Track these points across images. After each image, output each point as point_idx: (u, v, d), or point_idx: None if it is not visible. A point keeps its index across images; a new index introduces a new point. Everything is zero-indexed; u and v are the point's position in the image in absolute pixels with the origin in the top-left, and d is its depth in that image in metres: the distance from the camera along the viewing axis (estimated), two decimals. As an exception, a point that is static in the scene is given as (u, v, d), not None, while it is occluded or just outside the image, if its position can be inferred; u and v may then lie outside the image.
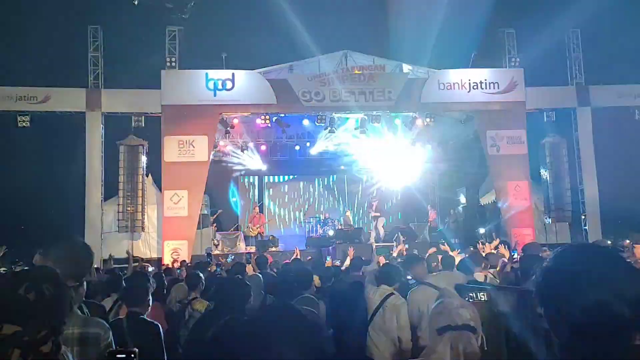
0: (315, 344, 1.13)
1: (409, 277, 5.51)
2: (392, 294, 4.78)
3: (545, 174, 16.78)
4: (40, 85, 15.50)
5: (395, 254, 9.18)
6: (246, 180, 21.79)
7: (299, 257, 9.51)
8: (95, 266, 11.79)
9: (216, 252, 14.99)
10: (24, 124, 15.06)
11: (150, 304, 3.92)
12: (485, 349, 2.13)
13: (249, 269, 6.81)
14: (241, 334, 1.13)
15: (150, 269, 10.36)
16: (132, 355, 1.56)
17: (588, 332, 1.23)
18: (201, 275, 5.85)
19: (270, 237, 17.39)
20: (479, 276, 5.79)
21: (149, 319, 3.79)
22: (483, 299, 3.98)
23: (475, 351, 2.05)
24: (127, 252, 8.86)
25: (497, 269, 6.28)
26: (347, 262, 7.84)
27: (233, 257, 13.87)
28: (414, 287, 5.14)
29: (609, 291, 1.22)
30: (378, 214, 16.85)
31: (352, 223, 18.16)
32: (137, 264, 11.08)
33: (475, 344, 2.07)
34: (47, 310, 1.42)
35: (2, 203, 17.34)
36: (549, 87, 17.20)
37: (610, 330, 1.22)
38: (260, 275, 5.57)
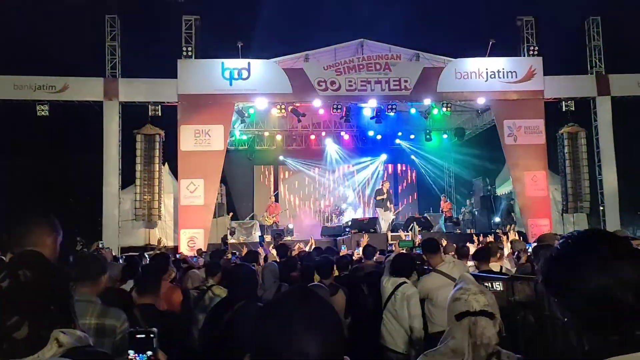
0: (336, 328, 1.13)
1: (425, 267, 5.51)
2: (404, 282, 4.80)
3: (563, 164, 16.57)
4: (58, 74, 15.63)
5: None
6: (262, 169, 21.85)
7: (314, 246, 9.55)
8: (114, 254, 11.97)
9: (232, 240, 15.08)
10: (42, 113, 15.23)
11: (160, 291, 3.91)
12: (504, 334, 2.13)
13: (261, 260, 6.84)
14: (258, 318, 1.12)
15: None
16: (152, 335, 1.57)
17: (592, 319, 1.22)
18: (220, 263, 5.89)
19: (286, 226, 17.46)
20: (495, 266, 5.76)
21: (162, 309, 3.81)
22: (499, 289, 3.97)
23: (492, 335, 2.05)
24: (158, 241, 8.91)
25: (506, 258, 6.26)
26: (360, 250, 7.86)
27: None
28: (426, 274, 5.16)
29: (612, 277, 1.20)
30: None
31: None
32: (154, 252, 11.21)
33: (493, 329, 2.07)
34: (21, 296, 1.40)
35: (20, 191, 17.64)
36: (568, 76, 16.93)
37: (614, 317, 1.20)
38: (275, 264, 5.60)
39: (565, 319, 1.28)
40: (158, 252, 10.05)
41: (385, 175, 21.25)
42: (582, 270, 1.24)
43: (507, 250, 7.75)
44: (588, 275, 1.22)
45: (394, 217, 15.76)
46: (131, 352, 1.59)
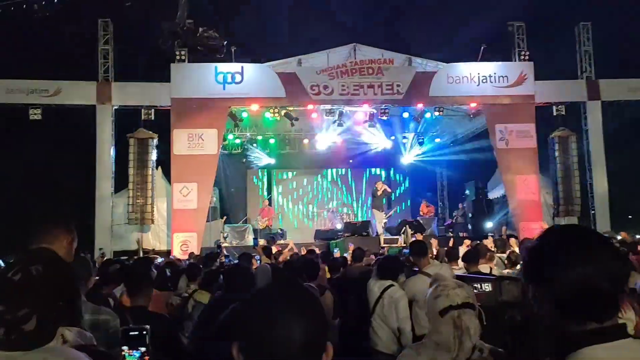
0: (319, 314, 1.18)
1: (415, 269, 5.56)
2: (391, 285, 4.84)
3: (554, 168, 16.71)
4: (51, 78, 15.63)
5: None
6: (255, 173, 21.89)
7: (295, 251, 9.61)
8: (107, 257, 11.96)
9: (225, 244, 15.09)
10: (35, 117, 15.21)
11: (152, 293, 3.93)
12: (485, 323, 2.20)
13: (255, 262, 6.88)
14: (245, 307, 1.17)
15: (159, 260, 10.46)
16: (144, 332, 1.61)
17: (571, 307, 1.28)
18: (201, 267, 5.86)
19: (279, 229, 17.50)
20: (484, 268, 5.83)
21: (155, 312, 3.83)
22: (488, 289, 4.03)
23: (477, 326, 2.13)
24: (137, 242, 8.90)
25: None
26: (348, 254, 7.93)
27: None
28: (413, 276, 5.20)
29: (591, 267, 1.26)
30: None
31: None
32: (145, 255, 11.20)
33: (476, 320, 2.15)
34: (32, 289, 1.45)
35: (13, 195, 17.56)
36: (558, 81, 17.09)
37: (592, 305, 1.26)
38: (268, 265, 5.63)
39: (541, 309, 1.34)
40: (144, 256, 10.05)
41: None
42: (562, 260, 1.30)
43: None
44: (568, 264, 1.28)
45: (386, 220, 15.81)
46: (125, 348, 1.63)
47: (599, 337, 1.25)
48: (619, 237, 10.52)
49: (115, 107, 15.88)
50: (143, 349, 1.64)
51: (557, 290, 1.29)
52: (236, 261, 8.07)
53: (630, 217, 20.17)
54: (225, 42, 9.15)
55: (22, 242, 2.23)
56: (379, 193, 15.57)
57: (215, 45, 8.90)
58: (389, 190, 16.76)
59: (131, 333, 1.63)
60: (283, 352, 1.09)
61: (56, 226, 2.38)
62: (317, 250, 10.48)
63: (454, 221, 19.04)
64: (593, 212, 16.81)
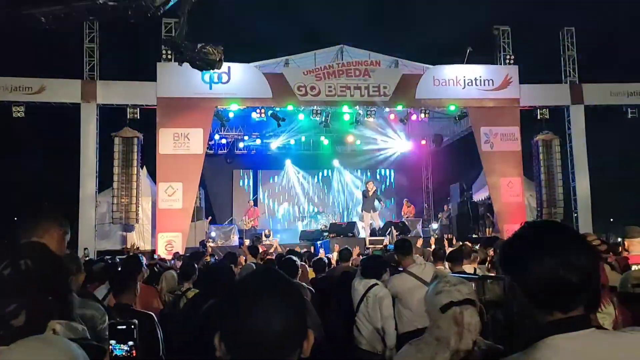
0: (300, 303, 1.19)
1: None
2: (376, 284, 4.86)
3: (537, 170, 16.89)
4: (35, 75, 15.44)
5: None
6: (241, 173, 21.84)
7: (279, 251, 9.61)
8: (90, 257, 11.85)
9: (210, 244, 15.02)
10: (18, 115, 15.01)
11: (138, 293, 3.93)
12: (485, 320, 2.24)
13: (242, 259, 6.88)
14: (226, 296, 1.18)
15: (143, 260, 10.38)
16: (132, 327, 1.61)
17: (541, 296, 1.35)
18: (196, 266, 5.87)
19: (267, 230, 17.46)
20: (468, 268, 5.88)
21: (140, 310, 3.82)
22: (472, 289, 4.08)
23: (477, 322, 2.15)
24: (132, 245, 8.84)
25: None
26: (335, 255, 7.94)
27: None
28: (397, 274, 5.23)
29: (561, 259, 1.33)
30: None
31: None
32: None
33: (477, 316, 2.17)
34: (21, 284, 1.43)
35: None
36: (542, 85, 17.30)
37: (558, 296, 1.33)
38: (254, 265, 5.63)
39: (514, 299, 1.41)
40: (130, 254, 9.97)
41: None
42: (534, 251, 1.36)
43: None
44: (537, 255, 1.35)
45: (372, 221, 15.86)
46: (113, 342, 1.62)
47: (564, 326, 1.32)
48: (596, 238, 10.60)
49: (100, 106, 15.73)
50: (131, 343, 1.64)
51: (527, 281, 1.36)
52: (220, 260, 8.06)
53: (612, 220, 20.46)
54: (221, 57, 9.32)
55: (9, 237, 2.17)
56: (370, 194, 15.54)
57: (212, 60, 9.01)
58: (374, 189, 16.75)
59: (119, 327, 1.63)
60: (263, 338, 1.10)
61: (47, 219, 2.30)
62: (298, 249, 10.47)
63: (439, 223, 19.17)
64: (576, 214, 17.02)
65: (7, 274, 1.43)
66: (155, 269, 7.27)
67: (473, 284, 4.06)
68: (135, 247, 14.42)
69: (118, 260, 8.19)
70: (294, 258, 5.14)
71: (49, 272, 1.52)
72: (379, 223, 15.76)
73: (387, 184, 22.75)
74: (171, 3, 8.13)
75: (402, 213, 18.02)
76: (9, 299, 1.40)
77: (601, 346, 1.31)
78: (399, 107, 16.82)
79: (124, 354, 1.56)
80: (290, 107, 16.27)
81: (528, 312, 1.38)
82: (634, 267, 4.29)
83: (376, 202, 15.55)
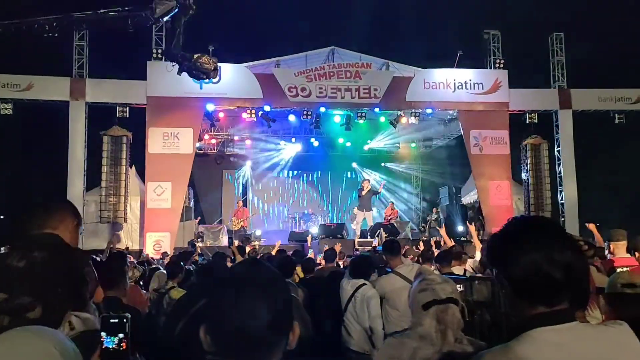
0: (286, 295, 1.19)
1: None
2: (364, 284, 4.88)
3: (526, 174, 17.02)
4: (23, 72, 15.30)
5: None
6: (230, 174, 21.78)
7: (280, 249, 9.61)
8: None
9: (199, 244, 14.96)
10: (6, 112, 14.88)
11: (127, 287, 3.91)
12: (467, 319, 2.26)
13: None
14: (212, 288, 1.18)
15: (131, 259, 10.32)
16: (125, 320, 1.60)
17: (525, 289, 1.38)
18: (182, 265, 5.86)
19: (256, 231, 17.43)
20: (458, 269, 5.91)
21: (129, 304, 3.80)
22: (460, 290, 4.10)
23: (459, 321, 2.18)
24: (109, 242, 8.81)
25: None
26: (321, 256, 7.94)
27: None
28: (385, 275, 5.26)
29: (543, 254, 1.36)
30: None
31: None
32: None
33: (458, 315, 2.20)
34: (35, 276, 1.42)
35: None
36: (531, 89, 17.42)
37: (542, 290, 1.36)
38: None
39: (501, 291, 1.45)
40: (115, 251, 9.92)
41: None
42: (519, 245, 1.40)
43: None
44: (524, 250, 1.38)
45: (362, 221, 15.87)
46: (103, 334, 1.61)
47: (547, 320, 1.35)
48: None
49: (89, 104, 15.61)
50: (121, 335, 1.63)
51: (512, 274, 1.39)
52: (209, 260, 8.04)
53: (598, 224, 20.65)
54: (216, 66, 9.41)
55: (21, 228, 2.09)
56: (364, 192, 15.51)
57: (207, 70, 9.10)
58: (377, 188, 16.76)
59: (112, 321, 1.62)
60: (249, 330, 1.09)
61: (62, 209, 2.18)
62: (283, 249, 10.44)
63: (428, 226, 19.22)
64: (563, 219, 17.15)
65: (23, 266, 1.42)
66: (143, 268, 7.24)
67: (461, 285, 4.11)
68: (121, 247, 14.31)
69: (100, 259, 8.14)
70: (292, 258, 5.14)
71: (65, 264, 1.51)
72: (371, 223, 15.75)
73: (377, 186, 22.75)
74: (170, 14, 8.16)
75: (385, 215, 17.99)
76: (25, 291, 1.39)
77: (584, 339, 1.33)
78: (390, 110, 16.86)
79: (114, 346, 1.55)
80: (280, 107, 16.26)
81: (514, 305, 1.41)
82: (619, 270, 4.34)
83: (372, 199, 15.55)
